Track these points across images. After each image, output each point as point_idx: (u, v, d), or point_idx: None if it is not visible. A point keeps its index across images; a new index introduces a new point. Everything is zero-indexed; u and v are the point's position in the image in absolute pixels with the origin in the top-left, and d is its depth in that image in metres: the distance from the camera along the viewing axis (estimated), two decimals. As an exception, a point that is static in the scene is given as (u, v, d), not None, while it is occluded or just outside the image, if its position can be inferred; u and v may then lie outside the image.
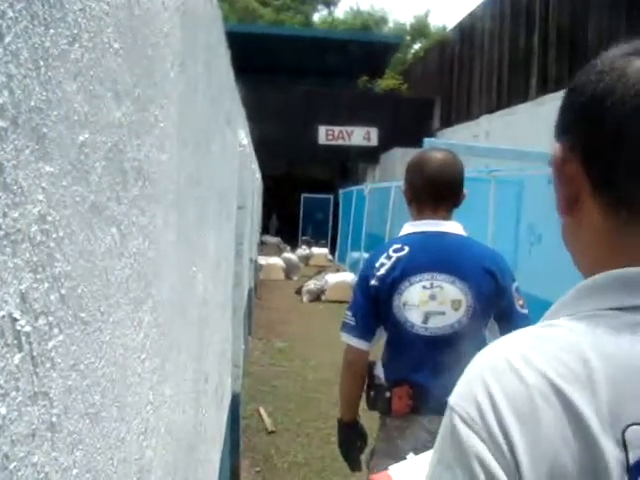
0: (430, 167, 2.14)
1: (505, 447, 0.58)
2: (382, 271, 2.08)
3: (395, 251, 2.09)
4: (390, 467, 1.49)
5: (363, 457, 2.26)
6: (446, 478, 0.61)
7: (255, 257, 11.03)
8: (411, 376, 2.06)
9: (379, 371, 2.15)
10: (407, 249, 2.08)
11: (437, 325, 2.02)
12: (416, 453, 2.01)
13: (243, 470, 4.10)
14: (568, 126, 0.69)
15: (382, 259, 2.09)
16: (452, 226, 2.12)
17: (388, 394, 2.08)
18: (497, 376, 0.61)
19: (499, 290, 2.06)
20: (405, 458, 2.04)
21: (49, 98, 0.55)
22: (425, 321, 2.02)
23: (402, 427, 2.06)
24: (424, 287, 2.03)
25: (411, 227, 2.15)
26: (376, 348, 2.22)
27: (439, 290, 2.02)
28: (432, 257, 2.05)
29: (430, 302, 2.02)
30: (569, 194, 0.68)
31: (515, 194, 7.06)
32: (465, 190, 2.19)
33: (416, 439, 2.02)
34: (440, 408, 2.28)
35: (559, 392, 0.58)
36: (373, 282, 2.09)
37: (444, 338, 2.01)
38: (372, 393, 2.15)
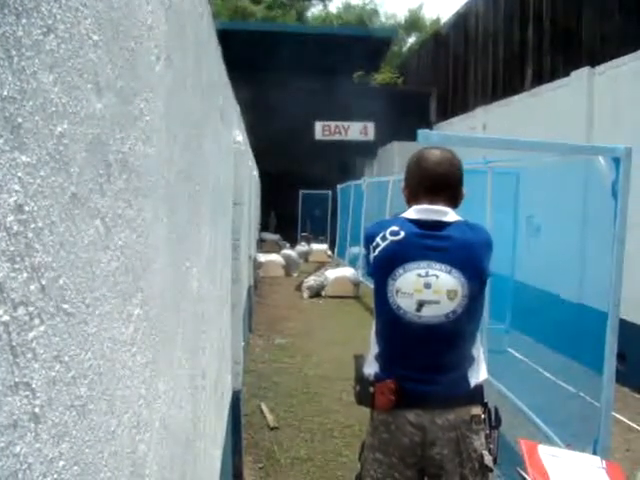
0: (427, 162, 2.15)
1: None
2: (377, 252, 2.08)
3: (392, 234, 2.07)
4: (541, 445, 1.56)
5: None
6: None
7: (254, 254, 11.02)
8: (398, 369, 2.06)
9: (367, 367, 2.16)
10: (403, 234, 2.05)
11: (431, 314, 2.00)
12: (402, 448, 2.02)
13: (246, 466, 4.10)
14: None
15: (378, 239, 2.09)
16: (452, 214, 2.10)
17: (372, 389, 2.08)
18: None
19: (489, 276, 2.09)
20: (393, 454, 2.05)
21: (23, 88, 0.55)
22: (419, 309, 2.01)
23: (387, 422, 2.07)
24: (419, 275, 2.01)
25: (413, 212, 2.11)
26: (365, 343, 2.24)
27: (434, 279, 2.00)
28: (429, 246, 2.03)
29: (425, 290, 2.00)
30: None
31: (512, 185, 7.05)
32: (464, 190, 2.18)
33: (403, 433, 2.03)
34: (426, 402, 2.25)
35: None
36: (372, 256, 2.11)
37: (437, 327, 2.01)
38: (357, 388, 2.16)
